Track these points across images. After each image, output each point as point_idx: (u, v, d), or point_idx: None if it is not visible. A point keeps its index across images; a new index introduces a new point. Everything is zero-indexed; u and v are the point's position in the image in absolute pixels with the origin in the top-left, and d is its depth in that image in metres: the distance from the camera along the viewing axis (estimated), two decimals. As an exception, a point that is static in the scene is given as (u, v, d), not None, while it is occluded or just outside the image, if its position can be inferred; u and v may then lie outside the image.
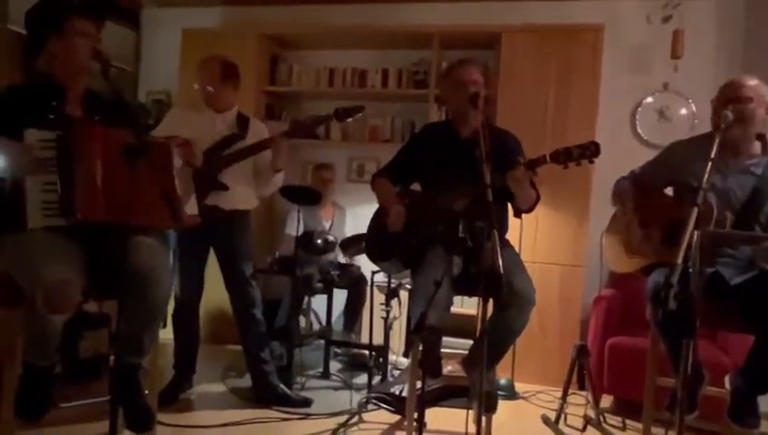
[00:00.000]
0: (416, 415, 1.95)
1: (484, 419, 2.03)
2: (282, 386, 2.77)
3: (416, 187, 2.47)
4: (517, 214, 2.30)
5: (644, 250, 2.16)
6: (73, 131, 1.69)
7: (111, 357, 1.66)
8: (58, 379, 1.86)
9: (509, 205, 2.29)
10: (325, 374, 3.25)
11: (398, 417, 2.67)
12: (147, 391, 1.86)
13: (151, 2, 4.28)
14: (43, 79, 1.82)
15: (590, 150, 1.96)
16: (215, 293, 2.83)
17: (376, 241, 2.45)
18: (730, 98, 2.02)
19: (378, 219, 2.46)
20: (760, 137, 2.11)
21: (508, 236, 2.41)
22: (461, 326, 3.07)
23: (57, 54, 1.80)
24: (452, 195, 2.16)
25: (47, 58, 1.82)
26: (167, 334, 2.75)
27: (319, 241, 3.17)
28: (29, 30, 1.86)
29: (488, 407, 1.90)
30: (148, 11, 4.34)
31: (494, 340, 2.00)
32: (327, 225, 3.65)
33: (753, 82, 2.05)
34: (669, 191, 2.29)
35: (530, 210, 2.25)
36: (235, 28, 4.08)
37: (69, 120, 1.75)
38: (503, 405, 2.98)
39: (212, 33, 3.97)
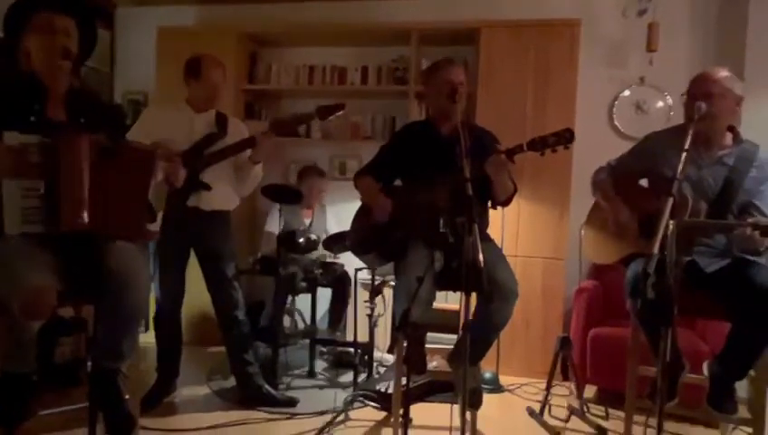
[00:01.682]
0: (401, 411, 1.95)
1: (469, 413, 2.04)
2: (267, 387, 2.75)
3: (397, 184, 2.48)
4: (494, 205, 2.32)
5: (622, 241, 2.19)
6: (62, 140, 1.62)
7: (89, 363, 1.63)
8: (35, 386, 1.81)
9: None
10: (310, 373, 3.24)
11: (384, 413, 2.67)
12: (128, 396, 1.83)
13: (126, 0, 4.20)
14: (24, 77, 1.76)
15: (565, 137, 2.00)
16: (197, 295, 2.80)
17: (359, 235, 2.45)
18: (698, 93, 2.04)
19: (361, 214, 2.46)
20: (731, 128, 2.15)
21: (489, 230, 2.42)
22: (446, 321, 3.09)
23: (31, 52, 1.75)
24: (433, 191, 2.17)
25: (23, 56, 1.77)
26: (149, 338, 2.71)
27: (301, 240, 3.15)
28: (5, 28, 1.81)
29: (473, 403, 1.92)
30: (123, 10, 4.26)
31: (478, 334, 2.02)
32: (307, 222, 3.63)
33: (721, 74, 2.07)
34: (644, 183, 2.32)
35: (507, 202, 2.27)
36: (212, 26, 4.03)
37: (52, 124, 1.70)
38: (488, 398, 3.00)
39: (188, 31, 3.91)
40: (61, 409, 2.22)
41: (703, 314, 2.40)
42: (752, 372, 2.07)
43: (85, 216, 1.60)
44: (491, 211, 2.40)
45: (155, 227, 1.84)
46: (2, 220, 1.59)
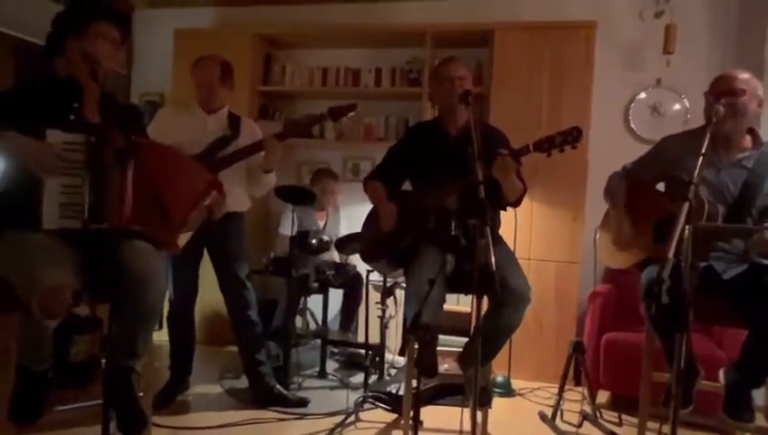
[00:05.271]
0: (412, 413, 1.95)
1: (479, 415, 2.03)
2: (278, 387, 2.77)
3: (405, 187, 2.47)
4: (503, 207, 2.30)
5: (637, 246, 2.17)
6: (107, 139, 1.67)
7: (103, 361, 1.65)
8: (51, 382, 1.84)
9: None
10: (322, 374, 3.25)
11: (394, 416, 2.67)
12: (141, 394, 1.85)
13: (143, 3, 4.26)
14: (63, 80, 1.82)
15: (573, 136, 1.97)
16: (210, 294, 2.83)
17: (369, 242, 2.45)
18: (723, 90, 2.02)
19: (371, 220, 2.46)
20: (750, 130, 2.11)
21: (503, 233, 2.41)
22: (457, 324, 3.08)
23: (76, 57, 1.79)
24: (441, 192, 2.16)
25: (67, 60, 1.82)
26: (162, 336, 2.74)
27: (314, 241, 3.16)
28: (51, 31, 1.86)
29: (482, 401, 1.90)
30: (140, 12, 4.32)
31: (488, 337, 2.01)
32: (321, 224, 3.65)
33: (745, 75, 2.05)
34: (661, 186, 2.29)
35: (517, 203, 2.25)
36: (228, 28, 4.07)
37: (91, 125, 1.74)
38: (500, 402, 2.99)
39: (204, 33, 3.95)
40: (75, 405, 2.25)
41: (719, 321, 2.36)
42: (769, 380, 2.03)
43: (128, 213, 1.64)
44: (504, 213, 2.39)
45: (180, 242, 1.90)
46: (39, 215, 1.63)
